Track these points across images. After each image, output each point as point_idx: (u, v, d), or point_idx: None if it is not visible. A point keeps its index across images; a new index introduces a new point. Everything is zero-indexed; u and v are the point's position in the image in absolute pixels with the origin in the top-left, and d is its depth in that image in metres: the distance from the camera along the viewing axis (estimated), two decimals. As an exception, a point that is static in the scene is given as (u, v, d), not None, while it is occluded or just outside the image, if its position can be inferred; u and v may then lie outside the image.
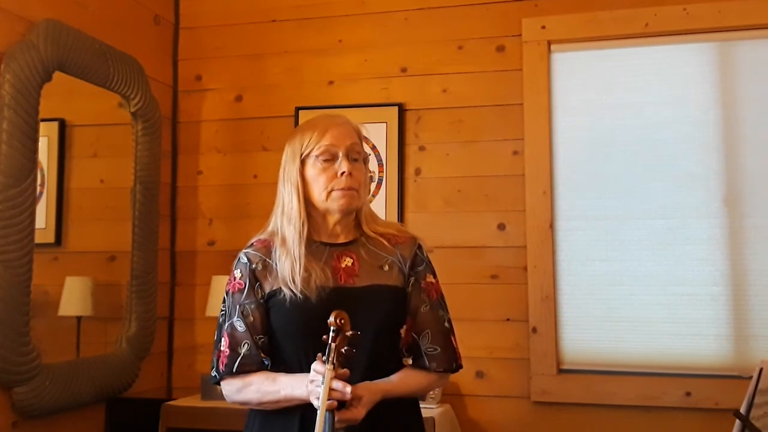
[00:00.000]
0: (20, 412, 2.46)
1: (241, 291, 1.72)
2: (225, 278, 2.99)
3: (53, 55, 2.56)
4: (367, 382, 1.61)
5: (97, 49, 2.80)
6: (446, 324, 1.77)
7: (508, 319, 3.00)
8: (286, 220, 1.73)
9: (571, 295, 2.97)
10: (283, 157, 1.79)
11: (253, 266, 1.72)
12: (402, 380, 1.70)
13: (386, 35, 3.25)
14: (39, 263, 2.48)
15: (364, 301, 1.67)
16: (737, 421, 1.61)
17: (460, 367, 1.77)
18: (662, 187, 2.93)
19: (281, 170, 1.79)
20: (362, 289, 1.70)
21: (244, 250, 1.76)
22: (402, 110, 3.18)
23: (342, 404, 1.51)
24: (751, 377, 1.67)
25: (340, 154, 1.71)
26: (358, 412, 1.54)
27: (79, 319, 2.84)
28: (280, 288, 1.68)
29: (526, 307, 2.97)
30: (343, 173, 1.70)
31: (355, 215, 1.78)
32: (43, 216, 2.65)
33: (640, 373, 2.86)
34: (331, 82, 3.29)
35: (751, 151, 2.88)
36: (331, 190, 1.70)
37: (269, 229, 1.78)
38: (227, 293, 1.75)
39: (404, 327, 1.73)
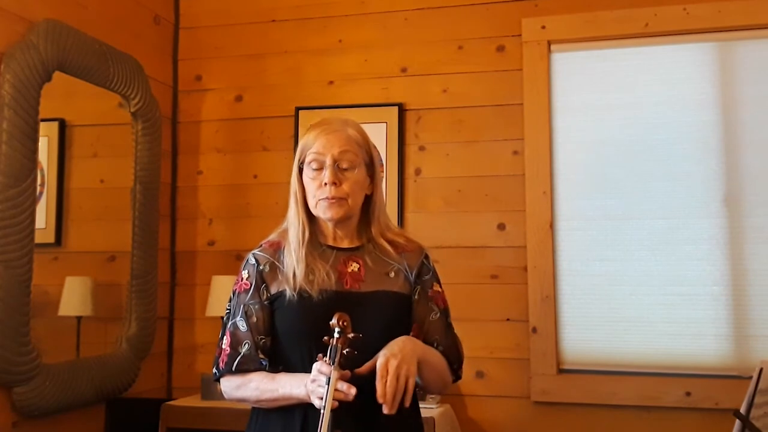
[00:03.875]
0: (20, 412, 2.46)
1: (246, 291, 1.73)
2: (225, 278, 3.04)
3: (53, 55, 2.56)
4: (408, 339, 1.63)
5: (97, 49, 2.80)
6: (455, 334, 1.81)
7: (508, 319, 3.00)
8: (290, 224, 1.77)
9: (571, 295, 2.97)
10: None
11: (261, 267, 1.74)
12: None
13: (386, 35, 3.25)
14: (39, 263, 2.48)
15: (370, 306, 1.68)
16: (737, 421, 1.61)
17: (459, 378, 1.80)
18: (662, 187, 2.93)
19: None
20: (368, 294, 1.70)
21: (253, 251, 1.78)
22: (402, 110, 3.18)
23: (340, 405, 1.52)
24: (751, 377, 1.67)
25: (327, 162, 1.71)
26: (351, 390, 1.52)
27: (79, 319, 2.84)
28: (286, 290, 1.69)
29: (526, 307, 2.97)
30: (325, 183, 1.70)
31: (362, 218, 1.79)
32: (43, 216, 2.65)
33: (640, 373, 2.86)
34: (331, 82, 3.29)
35: (751, 151, 2.88)
36: (318, 200, 1.72)
37: (282, 226, 1.80)
38: (233, 293, 1.76)
39: (411, 334, 1.73)
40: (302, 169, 1.76)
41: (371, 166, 1.78)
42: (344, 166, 1.71)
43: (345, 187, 1.70)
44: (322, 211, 1.72)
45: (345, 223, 1.76)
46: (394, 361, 1.54)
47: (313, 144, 1.73)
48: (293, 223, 1.75)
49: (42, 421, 2.55)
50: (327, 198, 1.70)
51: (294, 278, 1.68)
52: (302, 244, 1.71)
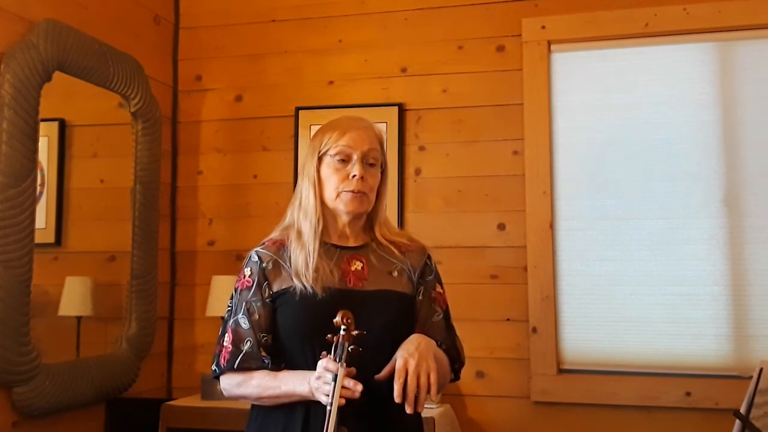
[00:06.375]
0: (20, 412, 2.46)
1: (248, 288, 1.73)
2: (225, 278, 3.04)
3: (53, 55, 2.56)
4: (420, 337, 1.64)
5: (97, 49, 2.80)
6: (456, 335, 1.82)
7: (508, 319, 3.00)
8: (302, 215, 1.75)
9: (571, 295, 2.97)
10: (305, 152, 1.83)
11: (264, 265, 1.73)
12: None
13: (386, 35, 3.25)
14: (39, 263, 2.48)
15: (373, 305, 1.68)
16: (737, 421, 1.61)
17: (458, 379, 1.83)
18: (662, 187, 2.93)
19: (301, 165, 1.83)
20: (371, 293, 1.71)
21: (256, 249, 1.77)
22: (402, 110, 3.18)
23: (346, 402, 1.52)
24: (751, 377, 1.67)
25: (355, 157, 1.72)
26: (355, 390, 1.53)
27: (79, 319, 2.84)
28: (289, 287, 1.69)
29: (526, 307, 2.97)
30: (354, 176, 1.71)
31: (367, 219, 1.80)
32: (43, 216, 2.65)
33: (640, 373, 2.86)
34: (331, 82, 3.29)
35: (751, 151, 2.88)
36: (341, 192, 1.72)
37: (285, 222, 1.80)
38: (235, 290, 1.76)
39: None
40: (320, 160, 1.76)
41: (384, 168, 1.81)
42: (370, 162, 1.75)
43: (370, 182, 1.73)
44: (343, 203, 1.72)
45: (357, 220, 1.77)
46: (412, 360, 1.55)
47: (342, 137, 1.73)
48: (308, 214, 1.74)
49: (42, 421, 2.55)
50: (352, 191, 1.71)
51: (305, 269, 1.67)
52: (316, 236, 1.71)
